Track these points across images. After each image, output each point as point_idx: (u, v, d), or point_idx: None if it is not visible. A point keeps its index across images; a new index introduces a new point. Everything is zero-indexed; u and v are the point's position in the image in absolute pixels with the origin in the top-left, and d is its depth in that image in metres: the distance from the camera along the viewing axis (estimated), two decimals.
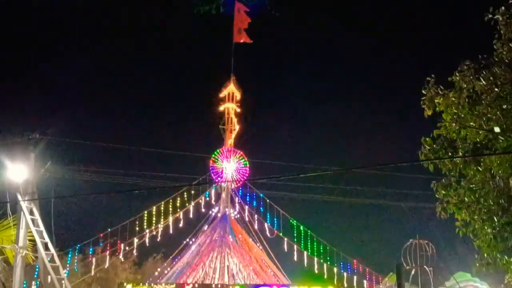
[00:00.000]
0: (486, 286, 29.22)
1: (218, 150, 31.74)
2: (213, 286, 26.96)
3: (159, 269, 31.27)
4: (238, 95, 32.64)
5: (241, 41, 32.57)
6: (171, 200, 29.25)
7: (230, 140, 32.10)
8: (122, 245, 28.08)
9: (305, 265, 29.54)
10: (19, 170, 17.04)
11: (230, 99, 32.60)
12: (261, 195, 30.56)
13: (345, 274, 29.39)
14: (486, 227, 10.51)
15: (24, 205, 17.07)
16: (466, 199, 10.61)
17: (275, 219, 30.04)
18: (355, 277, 29.51)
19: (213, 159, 31.46)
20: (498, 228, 10.42)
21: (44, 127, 18.25)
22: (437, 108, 10.85)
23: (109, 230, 27.68)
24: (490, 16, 10.50)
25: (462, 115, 10.58)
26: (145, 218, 28.44)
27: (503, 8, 10.39)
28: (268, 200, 30.39)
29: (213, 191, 31.09)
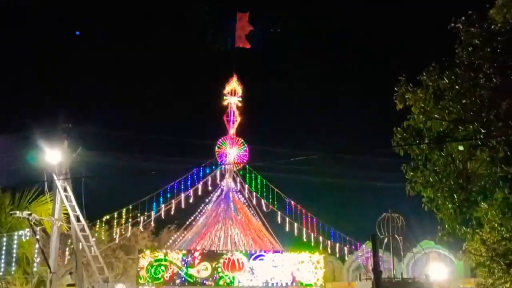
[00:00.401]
0: (447, 252, 29.39)
1: (222, 139, 31.83)
2: (218, 252, 27.06)
3: (172, 238, 31.37)
4: (239, 91, 32.55)
5: (242, 46, 32.51)
6: (183, 180, 29.36)
7: (232, 130, 32.11)
8: (142, 217, 28.18)
9: (295, 234, 29.68)
10: (55, 154, 17.06)
11: (232, 94, 32.53)
12: (259, 176, 30.66)
13: (328, 242, 29.53)
14: (447, 203, 10.52)
15: (59, 183, 17.08)
16: (430, 179, 10.61)
17: (270, 196, 30.19)
18: (337, 245, 29.66)
19: (218, 145, 31.54)
20: (457, 204, 10.44)
21: (75, 118, 18.24)
22: (407, 103, 10.83)
23: (130, 205, 27.76)
24: (453, 24, 10.46)
25: (428, 109, 10.55)
26: (161, 194, 28.54)
27: (463, 18, 10.35)
28: (264, 180, 30.48)
29: (218, 173, 31.18)
